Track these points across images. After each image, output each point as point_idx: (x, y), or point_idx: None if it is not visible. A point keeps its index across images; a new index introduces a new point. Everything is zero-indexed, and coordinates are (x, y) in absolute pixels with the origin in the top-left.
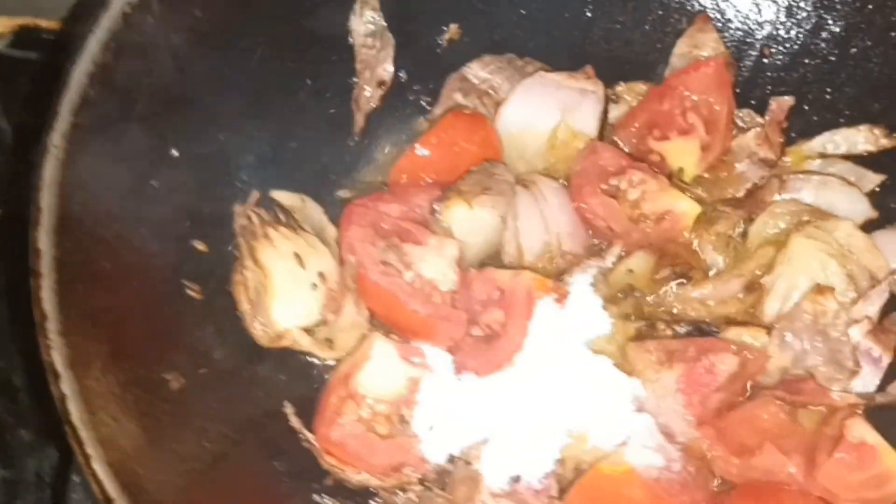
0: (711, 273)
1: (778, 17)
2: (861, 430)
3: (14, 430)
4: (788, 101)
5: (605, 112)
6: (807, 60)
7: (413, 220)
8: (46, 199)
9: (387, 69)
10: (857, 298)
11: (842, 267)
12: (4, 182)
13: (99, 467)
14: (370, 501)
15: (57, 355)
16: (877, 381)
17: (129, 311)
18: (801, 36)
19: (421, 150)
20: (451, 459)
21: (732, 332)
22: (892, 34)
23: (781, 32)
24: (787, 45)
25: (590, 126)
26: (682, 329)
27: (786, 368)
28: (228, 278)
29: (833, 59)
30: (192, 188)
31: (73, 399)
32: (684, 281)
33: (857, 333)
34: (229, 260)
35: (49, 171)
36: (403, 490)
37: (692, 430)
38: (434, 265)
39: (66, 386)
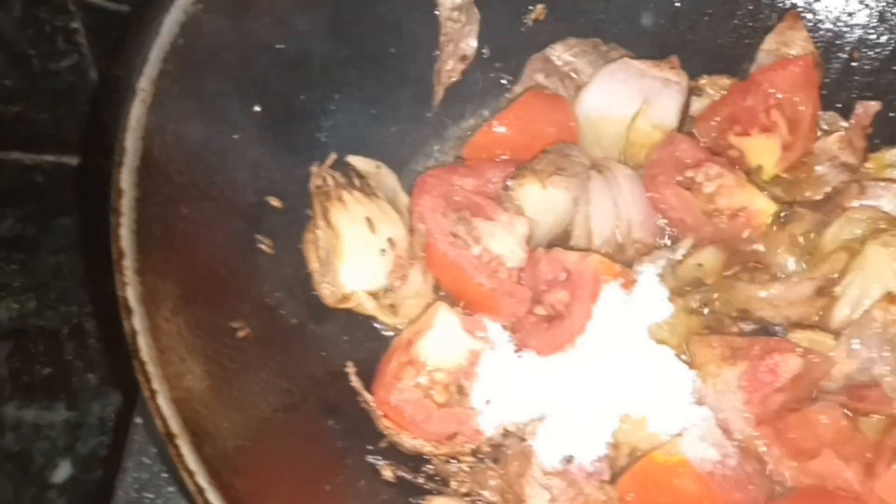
0: (782, 274)
1: (870, 21)
2: None
3: (82, 373)
4: (875, 105)
5: (687, 104)
6: None
7: (485, 195)
8: (131, 141)
9: (470, 44)
10: None
11: None
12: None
13: (164, 403)
14: (423, 467)
15: (131, 292)
16: None
17: (202, 256)
18: (892, 42)
19: (498, 127)
20: (506, 435)
21: (799, 335)
22: None
23: (873, 37)
24: (878, 50)
25: (670, 117)
26: (747, 327)
27: (851, 375)
28: (300, 237)
29: None
30: (272, 145)
31: (143, 335)
32: (754, 279)
33: None
34: (302, 219)
35: (135, 114)
36: (457, 460)
37: (750, 428)
38: (503, 241)
39: (138, 322)
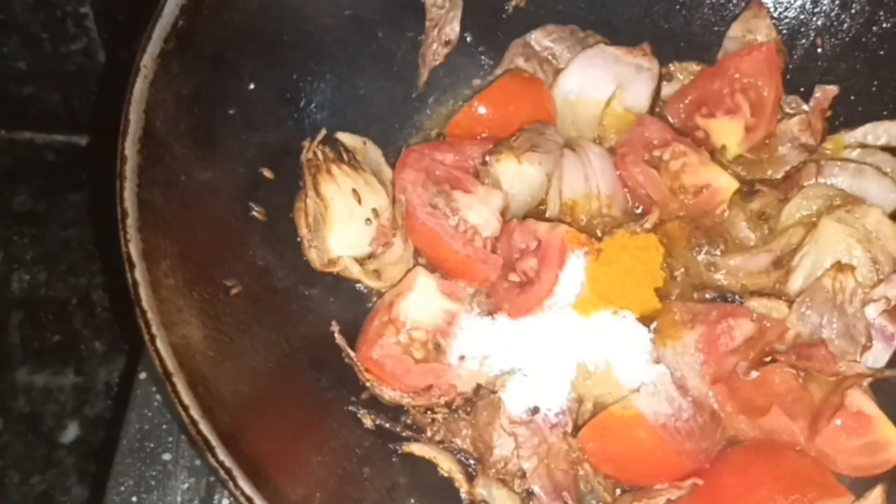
0: (742, 247)
1: (833, 9)
2: (860, 400)
3: (89, 341)
4: (833, 90)
5: (658, 88)
6: (857, 53)
7: (464, 170)
8: (135, 113)
9: (454, 29)
10: (878, 281)
11: (867, 252)
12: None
13: (162, 346)
14: (401, 417)
15: (133, 247)
16: (887, 358)
17: (199, 220)
18: (853, 29)
19: (478, 107)
20: (478, 389)
21: (755, 302)
22: None
23: (835, 24)
24: (840, 37)
25: (642, 100)
26: (708, 295)
27: (801, 339)
28: (291, 206)
29: (882, 52)
30: (265, 120)
31: (144, 286)
32: (716, 252)
33: (873, 312)
34: (293, 189)
35: (139, 89)
36: (432, 411)
37: (705, 386)
38: (479, 212)
39: (140, 274)
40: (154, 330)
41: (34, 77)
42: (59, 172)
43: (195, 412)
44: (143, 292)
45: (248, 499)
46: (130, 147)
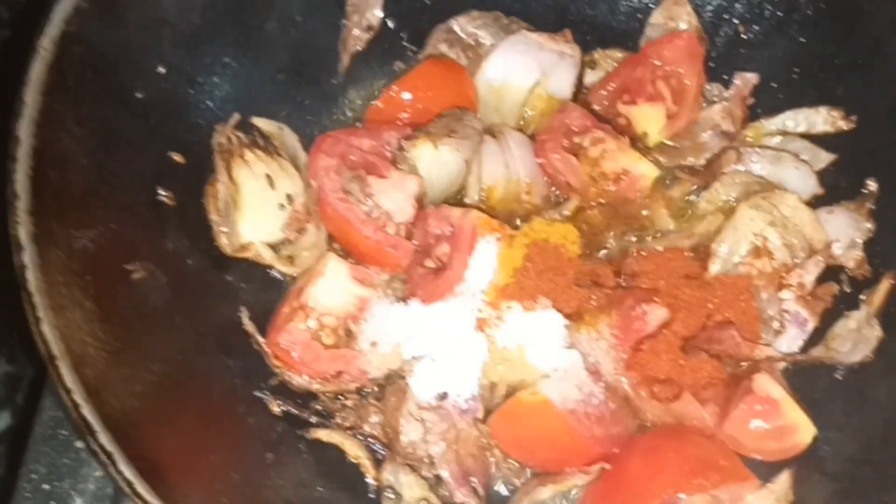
0: (662, 234)
1: None
2: (767, 385)
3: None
4: (753, 77)
5: (581, 75)
6: (778, 40)
7: (380, 155)
8: (31, 95)
9: (376, 14)
10: (793, 266)
11: (782, 237)
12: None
13: (47, 329)
14: (311, 404)
15: (22, 230)
16: (801, 343)
17: (100, 204)
18: (775, 17)
19: (398, 92)
20: (390, 375)
21: None
22: (859, 23)
23: (757, 11)
24: (762, 25)
25: (565, 87)
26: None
27: None
28: (202, 190)
29: (803, 40)
30: (176, 104)
31: (31, 269)
32: (635, 238)
33: (788, 297)
34: (206, 174)
35: (36, 70)
36: (343, 397)
37: (619, 372)
38: (393, 198)
39: (28, 257)
40: (40, 313)
41: None
42: None
43: (78, 396)
44: (31, 276)
45: (129, 483)
46: (24, 129)
